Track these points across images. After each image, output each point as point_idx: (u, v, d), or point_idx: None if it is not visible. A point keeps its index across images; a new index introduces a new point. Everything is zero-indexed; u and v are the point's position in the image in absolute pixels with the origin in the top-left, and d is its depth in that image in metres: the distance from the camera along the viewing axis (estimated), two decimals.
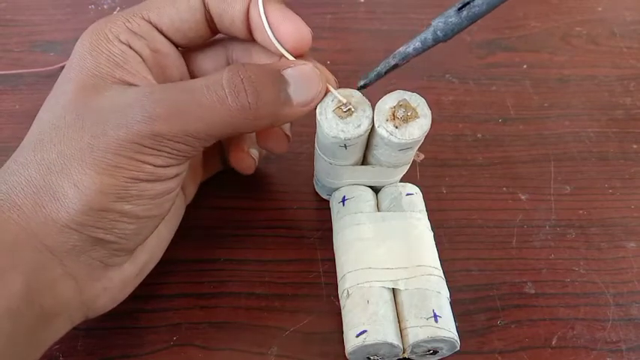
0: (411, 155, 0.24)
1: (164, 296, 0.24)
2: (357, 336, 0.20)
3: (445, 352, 0.22)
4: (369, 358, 0.22)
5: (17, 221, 0.18)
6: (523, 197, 0.28)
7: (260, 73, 0.19)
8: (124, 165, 0.18)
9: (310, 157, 0.26)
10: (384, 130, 0.21)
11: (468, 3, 0.18)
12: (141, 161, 0.18)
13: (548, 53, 0.36)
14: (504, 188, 0.29)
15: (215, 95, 0.18)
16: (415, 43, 0.20)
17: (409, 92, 0.21)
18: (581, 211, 0.28)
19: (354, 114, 0.21)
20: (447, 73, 0.35)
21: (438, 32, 0.19)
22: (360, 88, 0.22)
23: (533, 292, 0.25)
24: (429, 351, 0.21)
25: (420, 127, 0.21)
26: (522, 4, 0.40)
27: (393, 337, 0.20)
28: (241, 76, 0.19)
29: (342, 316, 0.22)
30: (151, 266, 0.23)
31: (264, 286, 0.25)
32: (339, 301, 0.23)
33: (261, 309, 0.24)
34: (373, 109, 0.21)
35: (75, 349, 0.22)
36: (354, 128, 0.21)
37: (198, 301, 0.24)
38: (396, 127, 0.21)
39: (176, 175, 0.20)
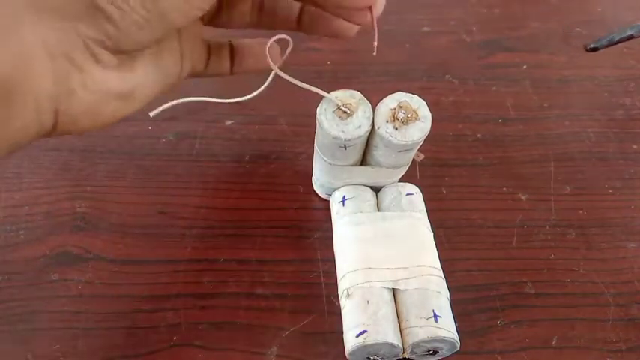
0: (410, 157, 0.24)
1: (164, 296, 0.24)
2: (357, 336, 0.20)
3: (445, 352, 0.22)
4: (369, 358, 0.22)
5: None
6: (523, 197, 0.28)
7: None
8: None
9: (310, 157, 0.26)
10: (384, 131, 0.21)
11: None
12: None
13: (548, 53, 0.36)
14: (504, 188, 0.29)
15: None
16: None
17: (410, 94, 0.21)
18: (581, 211, 0.28)
19: (355, 115, 0.21)
20: (447, 74, 0.35)
21: None
22: (589, 50, 0.22)
23: (533, 292, 0.25)
24: (429, 351, 0.21)
25: (420, 129, 0.21)
26: (522, 4, 0.40)
27: (393, 337, 0.20)
28: None
29: (342, 316, 0.22)
30: (133, 104, 0.20)
31: (264, 286, 0.25)
32: (339, 301, 0.23)
33: (261, 309, 0.24)
34: (374, 111, 0.21)
35: (75, 349, 0.22)
36: (354, 129, 0.21)
37: (198, 301, 0.24)
38: (396, 129, 0.21)
39: None
